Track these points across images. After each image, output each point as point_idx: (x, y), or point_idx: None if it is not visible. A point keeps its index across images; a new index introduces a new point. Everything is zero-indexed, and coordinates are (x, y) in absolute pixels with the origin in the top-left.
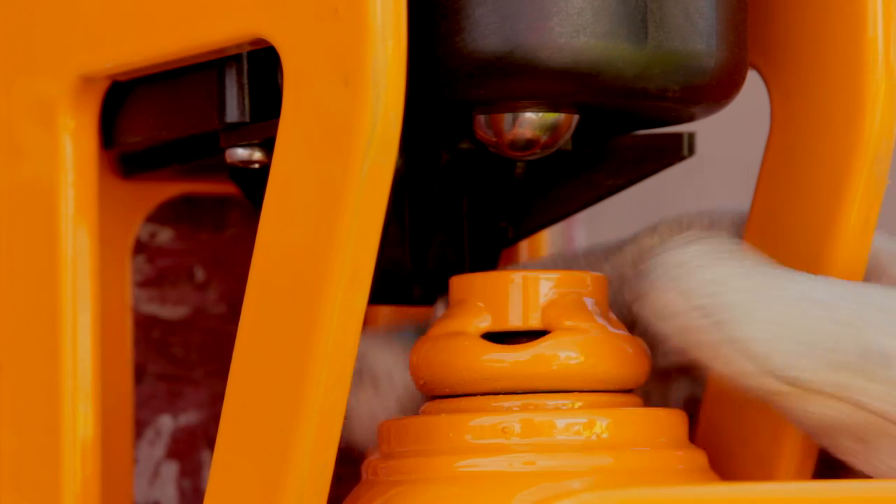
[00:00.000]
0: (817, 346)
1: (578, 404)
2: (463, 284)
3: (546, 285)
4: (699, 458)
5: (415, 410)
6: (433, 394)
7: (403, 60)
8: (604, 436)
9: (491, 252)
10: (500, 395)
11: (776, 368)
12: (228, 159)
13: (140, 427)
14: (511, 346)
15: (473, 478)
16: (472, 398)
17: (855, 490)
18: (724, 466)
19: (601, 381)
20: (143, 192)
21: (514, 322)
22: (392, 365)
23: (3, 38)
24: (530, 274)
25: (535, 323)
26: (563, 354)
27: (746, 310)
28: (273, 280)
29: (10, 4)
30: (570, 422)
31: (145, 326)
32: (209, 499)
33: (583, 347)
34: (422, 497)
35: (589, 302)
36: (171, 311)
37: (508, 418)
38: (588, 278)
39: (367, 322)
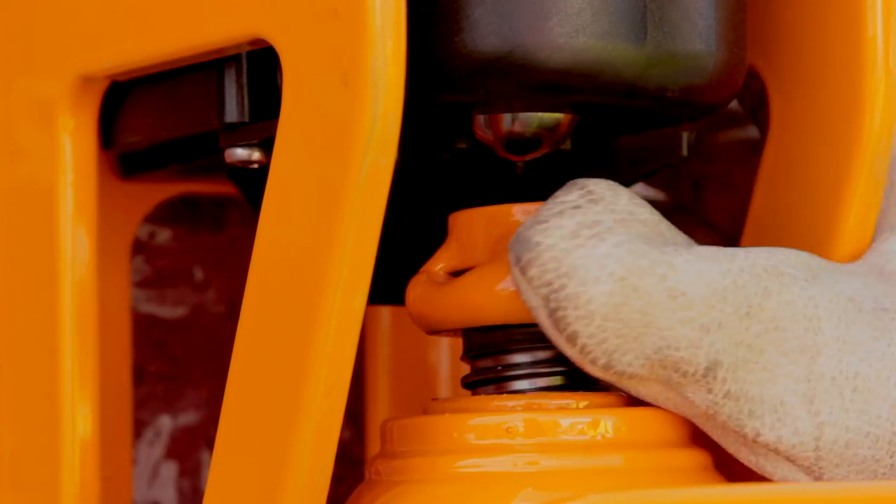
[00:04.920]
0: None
1: (583, 404)
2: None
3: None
4: (703, 458)
5: None
6: (467, 325)
7: (402, 61)
8: (608, 436)
9: None
10: (504, 395)
11: (595, 361)
12: (227, 159)
13: (139, 427)
14: None
15: (476, 478)
16: (475, 398)
17: (857, 491)
18: (722, 466)
19: None
20: (143, 192)
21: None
22: None
23: (2, 38)
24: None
25: None
26: None
27: (580, 302)
28: (272, 280)
29: (9, 4)
30: (575, 421)
31: (144, 326)
32: (209, 499)
33: None
34: (424, 497)
35: None
36: (170, 311)
37: (512, 418)
38: None
39: (366, 322)
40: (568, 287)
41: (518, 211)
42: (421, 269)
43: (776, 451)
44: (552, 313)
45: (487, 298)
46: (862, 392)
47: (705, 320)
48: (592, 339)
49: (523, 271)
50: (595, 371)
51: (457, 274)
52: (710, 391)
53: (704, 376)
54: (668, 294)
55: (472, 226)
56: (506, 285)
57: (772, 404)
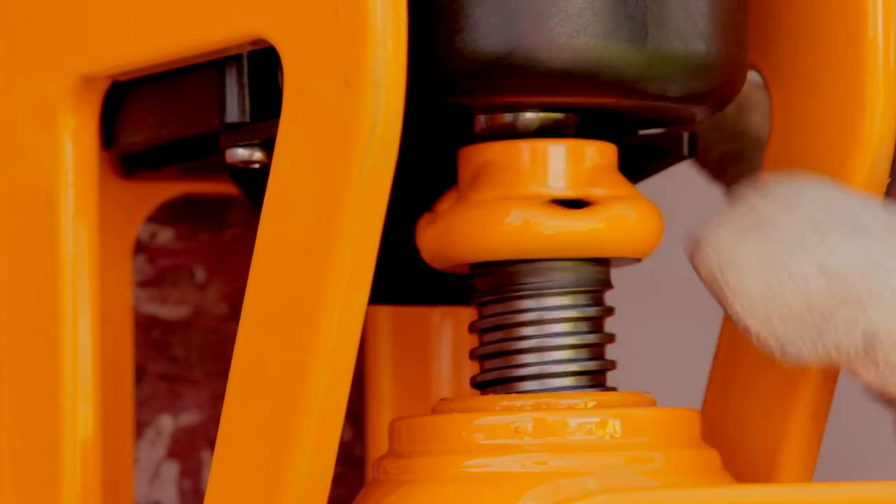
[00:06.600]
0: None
1: (591, 403)
2: (504, 151)
3: (589, 154)
4: (713, 458)
5: None
6: (475, 260)
7: (403, 61)
8: (616, 436)
9: None
10: (512, 395)
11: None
12: (229, 159)
13: (140, 427)
14: (578, 211)
15: (485, 478)
16: (483, 397)
17: (858, 491)
18: (732, 466)
19: (648, 247)
20: (144, 192)
21: (563, 191)
22: None
23: (3, 38)
24: (568, 143)
25: (582, 192)
26: (631, 218)
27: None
28: (273, 280)
29: (10, 4)
30: (583, 421)
31: (145, 326)
32: (209, 499)
33: (640, 212)
34: (431, 496)
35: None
36: (171, 311)
37: (520, 417)
38: (612, 149)
39: (366, 322)
40: (731, 281)
41: (525, 147)
42: (430, 209)
43: None
44: (727, 309)
45: (495, 232)
46: None
47: (863, 296)
48: (763, 328)
49: (692, 262)
50: (785, 363)
51: None
52: (876, 366)
53: (866, 352)
54: (823, 276)
55: (476, 160)
56: (511, 219)
57: None
